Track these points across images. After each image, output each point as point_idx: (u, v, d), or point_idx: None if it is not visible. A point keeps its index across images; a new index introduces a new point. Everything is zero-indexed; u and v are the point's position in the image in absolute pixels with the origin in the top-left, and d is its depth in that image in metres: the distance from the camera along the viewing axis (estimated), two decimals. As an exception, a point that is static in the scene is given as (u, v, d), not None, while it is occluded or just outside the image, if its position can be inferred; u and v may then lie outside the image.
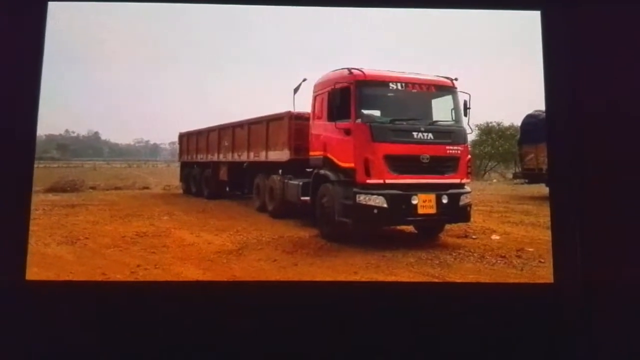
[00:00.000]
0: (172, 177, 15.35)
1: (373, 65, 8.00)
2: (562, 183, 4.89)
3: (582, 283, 4.67)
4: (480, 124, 16.64)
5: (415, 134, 7.46)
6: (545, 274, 5.27)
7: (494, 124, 16.87)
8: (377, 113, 7.88)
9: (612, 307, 4.58)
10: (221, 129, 12.35)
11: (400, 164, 7.34)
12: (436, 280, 5.98)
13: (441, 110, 8.14)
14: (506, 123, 16.44)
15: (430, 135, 7.56)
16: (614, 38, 4.90)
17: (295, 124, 9.31)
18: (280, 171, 9.54)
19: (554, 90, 4.98)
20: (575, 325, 4.61)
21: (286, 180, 9.22)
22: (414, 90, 7.88)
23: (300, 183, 8.63)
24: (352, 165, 7.47)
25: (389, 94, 7.84)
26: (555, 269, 4.84)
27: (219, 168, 12.37)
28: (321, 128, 8.42)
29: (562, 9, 4.99)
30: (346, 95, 7.73)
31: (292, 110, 9.38)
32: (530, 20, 5.18)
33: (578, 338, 4.58)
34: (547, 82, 5.05)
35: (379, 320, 4.59)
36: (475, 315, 4.61)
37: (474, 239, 7.89)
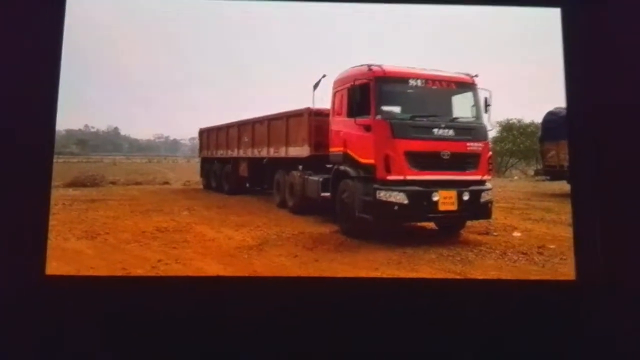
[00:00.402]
0: (192, 172, 15.39)
1: (392, 61, 7.98)
2: (584, 180, 4.86)
3: (603, 280, 4.64)
4: (501, 121, 16.56)
5: (435, 130, 7.44)
6: (567, 271, 5.24)
7: (515, 121, 16.78)
8: (397, 109, 7.87)
9: (634, 305, 4.54)
10: (241, 125, 12.38)
11: (420, 160, 7.32)
12: (458, 276, 5.95)
13: (461, 107, 8.11)
14: (527, 120, 16.34)
15: (451, 131, 7.53)
16: (635, 34, 4.85)
17: (315, 120, 9.32)
18: (300, 167, 9.55)
19: (575, 87, 4.95)
20: (597, 322, 4.58)
21: (306, 177, 9.23)
22: (434, 87, 7.85)
23: (321, 179, 8.64)
24: (372, 161, 7.45)
25: (409, 91, 7.81)
26: (577, 266, 4.81)
27: (239, 164, 12.41)
28: (341, 124, 8.43)
29: (582, 5, 4.95)
30: (366, 92, 7.72)
31: (311, 106, 9.40)
32: (551, 17, 5.15)
33: (599, 335, 4.56)
34: (568, 79, 5.02)
35: (400, 317, 4.59)
36: (497, 311, 4.59)
37: (495, 235, 7.85)
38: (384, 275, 5.93)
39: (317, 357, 4.56)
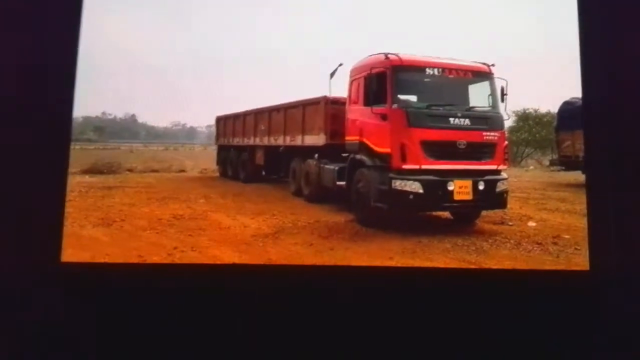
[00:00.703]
0: (208, 160, 15.47)
1: (408, 50, 7.99)
2: (599, 170, 4.86)
3: (618, 271, 4.66)
4: (517, 111, 16.49)
5: (451, 119, 7.44)
6: (581, 261, 5.26)
7: (531, 110, 16.70)
8: (413, 98, 7.88)
9: None
10: (257, 113, 12.43)
11: (436, 149, 7.33)
12: (472, 266, 5.99)
13: (478, 96, 8.09)
14: (543, 110, 16.26)
15: (467, 121, 7.54)
16: None
17: (332, 108, 9.34)
18: (316, 156, 9.55)
19: (591, 77, 4.95)
20: (611, 313, 4.60)
21: (322, 165, 9.26)
22: (451, 76, 7.85)
23: (336, 168, 8.66)
24: (388, 150, 7.47)
25: (426, 80, 7.82)
26: (591, 256, 4.83)
27: (255, 152, 12.46)
28: (357, 113, 8.44)
29: None
30: (382, 81, 7.72)
31: (328, 94, 9.42)
32: (567, 6, 5.15)
33: (613, 326, 4.58)
34: (584, 68, 5.01)
35: (414, 306, 4.63)
36: (511, 301, 4.62)
37: (510, 225, 7.86)
38: (399, 265, 5.97)
39: (331, 346, 4.61)
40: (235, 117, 13.67)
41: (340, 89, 9.20)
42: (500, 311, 4.60)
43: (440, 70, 7.77)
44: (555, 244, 6.80)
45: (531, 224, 7.92)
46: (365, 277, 5.16)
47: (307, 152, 9.94)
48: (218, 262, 6.06)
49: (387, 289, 4.76)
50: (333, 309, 4.63)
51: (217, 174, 14.51)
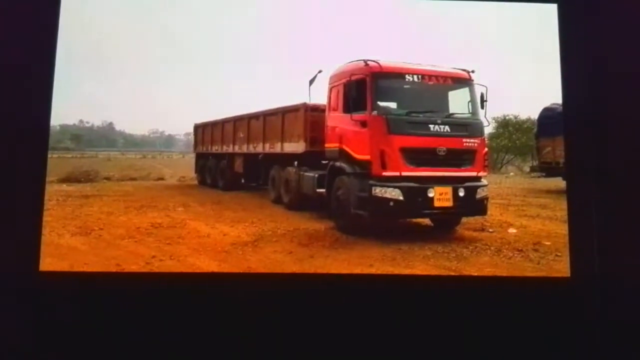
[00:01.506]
0: (187, 168, 15.32)
1: (388, 57, 7.96)
2: (579, 176, 4.87)
3: (598, 277, 4.65)
4: (497, 117, 16.52)
5: (431, 126, 7.43)
6: (562, 267, 5.24)
7: (511, 116, 16.73)
8: (393, 105, 7.86)
9: (629, 302, 4.56)
10: (236, 120, 12.34)
11: (416, 156, 7.31)
12: (453, 273, 5.96)
13: (457, 102, 8.09)
14: (523, 116, 16.31)
15: (447, 127, 7.52)
16: (632, 31, 4.86)
17: (311, 115, 9.29)
18: (295, 163, 9.50)
19: (571, 83, 4.95)
20: (592, 319, 4.59)
21: (302, 173, 9.19)
22: (431, 83, 7.84)
23: (316, 175, 8.62)
24: (367, 157, 7.45)
25: (405, 86, 7.81)
26: (572, 263, 4.82)
27: (234, 159, 12.37)
28: (337, 120, 8.40)
29: (579, 1, 4.97)
30: (362, 87, 7.71)
31: (307, 101, 9.38)
32: (547, 13, 5.15)
33: (594, 332, 4.56)
34: (564, 75, 5.02)
35: (394, 313, 4.59)
36: (492, 308, 4.59)
37: (490, 232, 7.84)
38: (379, 272, 5.94)
39: (312, 353, 4.56)
40: (214, 124, 13.56)
41: (320, 95, 9.15)
42: (481, 317, 4.57)
43: (419, 76, 7.76)
44: (536, 250, 6.78)
45: (512, 230, 7.90)
46: (345, 284, 5.13)
47: (286, 159, 9.86)
48: (197, 271, 6.00)
49: (367, 296, 4.72)
50: (314, 316, 4.58)
51: (196, 182, 14.39)
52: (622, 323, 4.52)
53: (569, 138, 5.01)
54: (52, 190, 10.65)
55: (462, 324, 4.53)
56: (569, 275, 4.82)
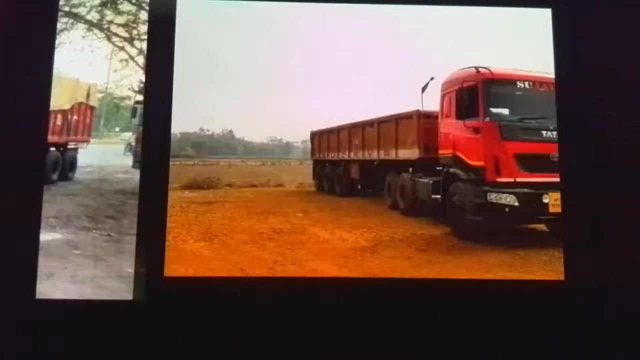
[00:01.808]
0: (305, 174, 15.62)
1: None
2: (575, 180, 4.87)
3: (594, 281, 4.63)
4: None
5: (544, 132, 7.37)
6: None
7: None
8: (505, 111, 7.93)
9: (625, 306, 4.53)
10: (351, 128, 12.56)
11: (530, 162, 7.35)
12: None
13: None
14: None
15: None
16: (626, 35, 4.83)
17: (424, 122, 9.42)
18: (410, 169, 9.66)
19: (564, 88, 4.97)
20: (587, 323, 4.58)
21: (417, 179, 9.34)
22: (541, 89, 7.79)
23: (431, 181, 8.76)
24: (481, 163, 7.57)
25: (517, 93, 7.84)
26: (566, 266, 4.81)
27: (350, 166, 12.61)
28: (450, 126, 8.54)
29: (574, 5, 4.97)
30: (474, 94, 7.85)
31: (420, 108, 9.55)
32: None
33: (589, 336, 4.55)
34: (558, 79, 5.03)
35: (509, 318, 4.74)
36: (485, 310, 4.67)
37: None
38: (496, 277, 6.06)
39: (430, 357, 4.78)
40: (330, 131, 13.86)
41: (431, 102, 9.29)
42: (474, 321, 4.64)
43: (530, 83, 7.77)
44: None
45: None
46: (463, 290, 5.30)
47: (401, 166, 10.04)
48: (318, 275, 6.29)
49: (487, 302, 4.89)
50: (432, 321, 4.81)
51: (314, 189, 14.71)
52: (617, 327, 4.50)
53: (563, 142, 5.00)
54: (175, 197, 11.15)
55: (463, 328, 4.61)
56: (563, 278, 4.83)
